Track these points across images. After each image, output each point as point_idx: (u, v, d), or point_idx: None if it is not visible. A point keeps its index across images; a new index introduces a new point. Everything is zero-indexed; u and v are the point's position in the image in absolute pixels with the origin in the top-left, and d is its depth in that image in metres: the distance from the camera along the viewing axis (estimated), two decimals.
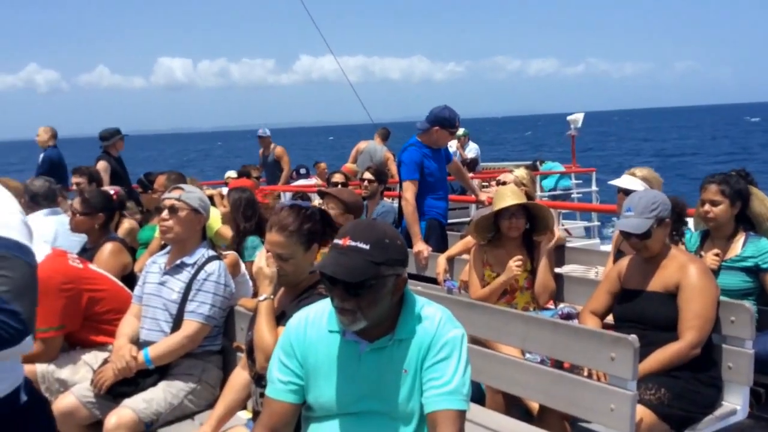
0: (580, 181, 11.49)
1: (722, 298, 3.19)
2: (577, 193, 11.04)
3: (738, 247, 3.63)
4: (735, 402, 3.05)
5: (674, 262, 3.16)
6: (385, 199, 6.18)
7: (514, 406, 3.48)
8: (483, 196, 5.74)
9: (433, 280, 4.69)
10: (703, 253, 3.73)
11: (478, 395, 3.48)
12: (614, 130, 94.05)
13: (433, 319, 2.03)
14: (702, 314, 2.99)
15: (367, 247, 1.90)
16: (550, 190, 10.51)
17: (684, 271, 3.09)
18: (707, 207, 3.63)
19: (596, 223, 10.18)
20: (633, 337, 2.62)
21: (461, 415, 1.95)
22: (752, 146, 47.53)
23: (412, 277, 4.91)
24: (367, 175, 5.86)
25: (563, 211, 10.48)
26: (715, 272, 3.60)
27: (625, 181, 4.18)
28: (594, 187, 10.48)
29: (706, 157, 38.46)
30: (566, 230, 10.26)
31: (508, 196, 3.83)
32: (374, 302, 1.93)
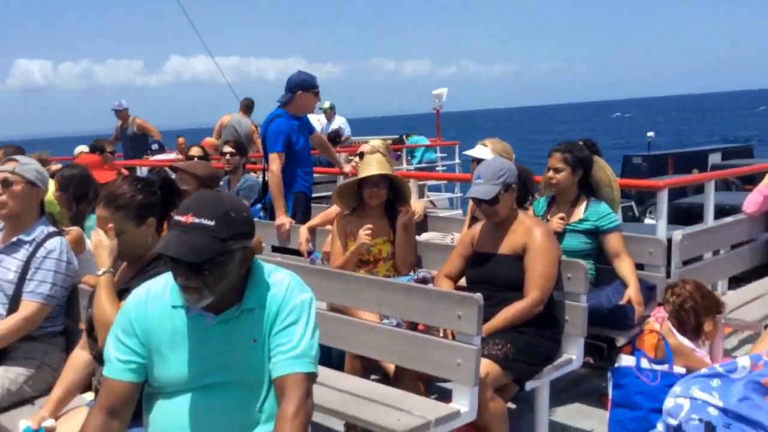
0: (445, 155, 11.84)
1: (563, 257, 3.41)
2: (442, 165, 11.38)
3: (581, 211, 3.88)
4: (571, 352, 3.28)
5: (521, 226, 3.33)
6: (251, 173, 6.08)
7: (374, 370, 3.57)
8: (347, 168, 5.76)
9: (298, 252, 4.67)
10: (549, 217, 3.97)
11: (339, 361, 3.54)
12: (488, 125, 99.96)
13: (281, 285, 2.01)
14: (544, 274, 3.18)
15: (212, 223, 1.83)
16: (416, 163, 10.76)
17: (530, 234, 3.27)
18: (551, 174, 3.86)
19: (459, 194, 10.55)
20: (478, 295, 2.74)
21: (309, 377, 1.95)
22: (641, 135, 52.12)
23: (275, 249, 4.88)
24: (227, 149, 5.71)
25: (429, 183, 10.78)
26: (561, 235, 3.84)
27: (478, 150, 4.35)
28: (457, 160, 10.83)
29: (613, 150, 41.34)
30: (431, 202, 10.57)
31: (373, 166, 3.87)
32: (221, 278, 1.88)
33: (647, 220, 13.08)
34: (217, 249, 1.83)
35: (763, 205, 4.73)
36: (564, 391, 3.95)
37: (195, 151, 5.97)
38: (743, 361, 3.43)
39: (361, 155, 4.48)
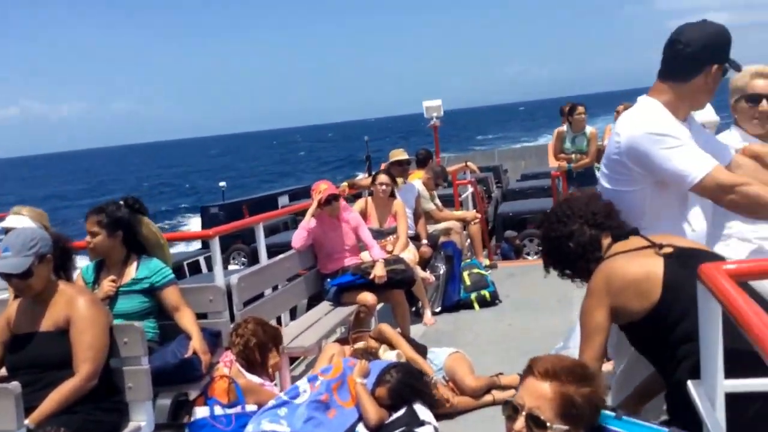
0: None
1: (117, 322, 3.25)
2: None
3: (132, 270, 3.75)
4: (140, 419, 3.14)
5: (63, 298, 3.11)
6: None
7: None
8: None
9: None
10: (100, 282, 3.75)
11: None
12: (55, 172, 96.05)
13: None
14: (94, 345, 3.01)
15: None
16: None
17: (72, 305, 3.07)
18: (88, 238, 3.68)
19: None
20: (13, 384, 2.46)
21: None
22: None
23: None
24: None
25: None
26: (115, 298, 3.66)
27: (12, 221, 3.93)
28: None
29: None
30: None
31: None
32: None
33: (231, 266, 13.58)
34: None
35: (308, 239, 5.28)
36: None
37: None
38: (303, 384, 3.75)
39: None
